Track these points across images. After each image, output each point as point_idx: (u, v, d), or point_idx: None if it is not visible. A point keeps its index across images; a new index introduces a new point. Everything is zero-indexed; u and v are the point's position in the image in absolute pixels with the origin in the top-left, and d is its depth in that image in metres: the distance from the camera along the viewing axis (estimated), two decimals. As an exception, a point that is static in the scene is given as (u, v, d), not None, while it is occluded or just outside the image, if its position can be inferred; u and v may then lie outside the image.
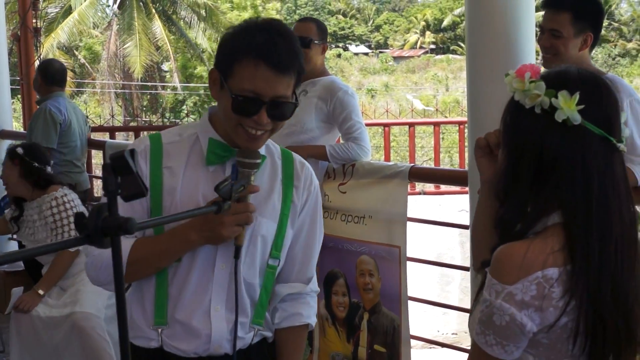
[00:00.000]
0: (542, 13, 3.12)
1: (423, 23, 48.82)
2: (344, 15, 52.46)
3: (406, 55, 47.21)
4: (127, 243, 1.84)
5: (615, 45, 40.30)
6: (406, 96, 33.78)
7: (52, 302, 3.91)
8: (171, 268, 1.89)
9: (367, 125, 3.99)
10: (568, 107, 1.43)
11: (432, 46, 48.32)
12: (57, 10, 22.98)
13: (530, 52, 3.02)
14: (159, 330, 1.90)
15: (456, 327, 6.21)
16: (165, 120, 21.87)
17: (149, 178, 1.86)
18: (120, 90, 24.13)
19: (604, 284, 1.41)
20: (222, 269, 1.88)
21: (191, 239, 1.83)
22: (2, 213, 4.76)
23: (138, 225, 1.11)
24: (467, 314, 1.69)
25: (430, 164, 9.41)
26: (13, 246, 5.64)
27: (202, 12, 23.59)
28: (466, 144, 5.28)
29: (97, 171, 8.56)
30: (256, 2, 29.87)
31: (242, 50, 1.77)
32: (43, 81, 5.35)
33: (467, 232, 3.63)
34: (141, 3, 23.57)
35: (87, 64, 25.04)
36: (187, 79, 26.05)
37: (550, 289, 1.39)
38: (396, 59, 46.31)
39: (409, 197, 3.68)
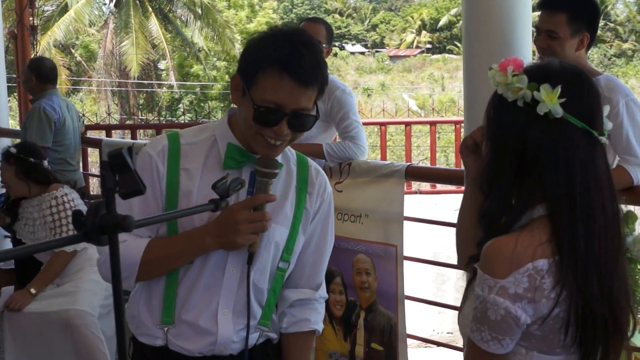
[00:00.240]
0: (538, 13, 3.13)
1: (419, 22, 48.87)
2: (340, 14, 52.50)
3: (402, 54, 47.27)
4: (141, 243, 1.85)
5: (611, 46, 40.39)
6: (402, 95, 33.80)
7: (42, 295, 3.89)
8: (182, 269, 1.89)
9: (363, 124, 3.99)
10: (550, 100, 1.44)
11: (429, 46, 48.38)
12: (53, 8, 22.95)
13: (527, 53, 3.01)
14: (165, 329, 1.91)
15: (452, 326, 6.20)
16: (162, 118, 21.80)
17: (166, 179, 1.87)
18: (116, 89, 24.07)
19: (590, 275, 1.42)
20: (233, 273, 1.89)
21: (206, 243, 1.83)
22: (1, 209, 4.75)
23: (136, 223, 1.11)
24: (462, 313, 1.69)
25: (427, 163, 9.39)
26: (7, 245, 5.62)
27: (199, 10, 23.56)
28: (462, 143, 5.26)
29: (94, 169, 8.55)
30: (253, 0, 29.80)
31: (267, 61, 1.75)
32: (37, 80, 5.36)
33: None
34: (137, 1, 23.53)
35: (83, 62, 25.01)
36: (184, 78, 25.98)
37: (542, 280, 1.40)
38: (392, 58, 46.34)
39: (405, 196, 3.68)
